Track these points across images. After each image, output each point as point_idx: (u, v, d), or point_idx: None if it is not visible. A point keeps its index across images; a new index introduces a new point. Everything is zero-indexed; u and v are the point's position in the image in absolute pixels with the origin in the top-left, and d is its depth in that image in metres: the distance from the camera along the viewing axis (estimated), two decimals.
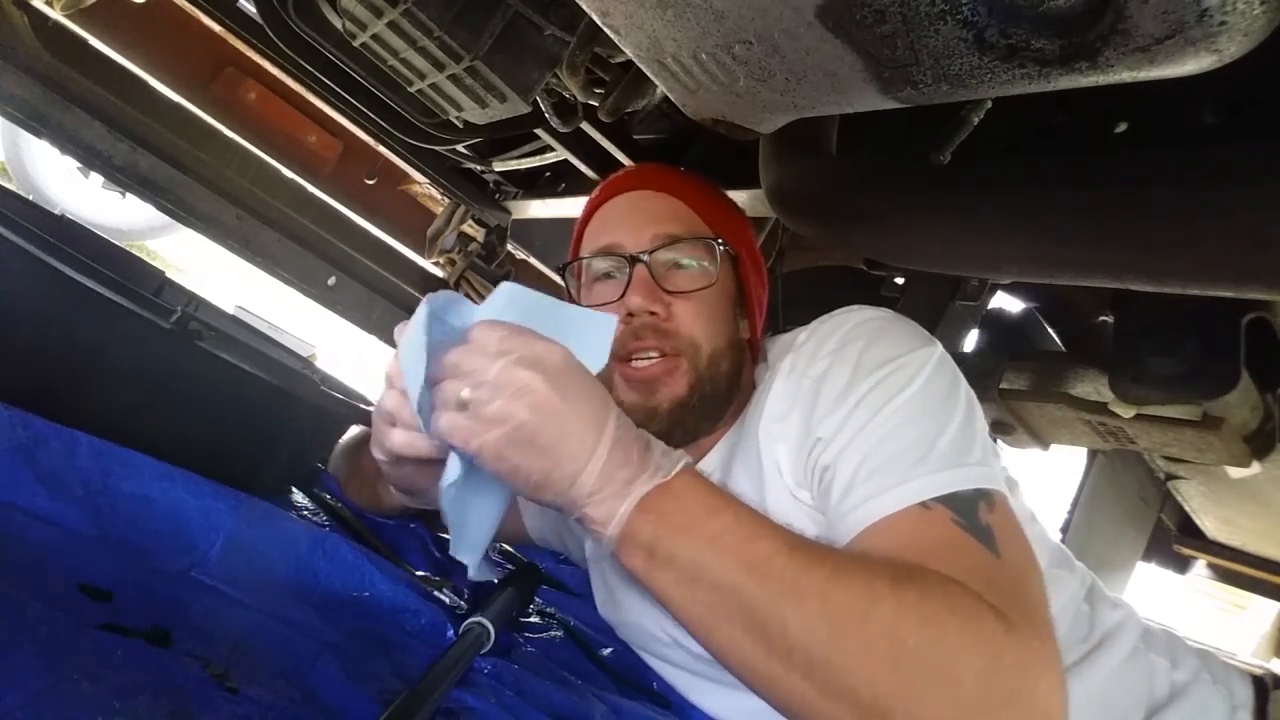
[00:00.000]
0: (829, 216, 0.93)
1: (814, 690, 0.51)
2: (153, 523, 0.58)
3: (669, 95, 0.75)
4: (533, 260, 2.11)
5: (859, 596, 0.52)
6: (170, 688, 0.43)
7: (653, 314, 0.80)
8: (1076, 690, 0.68)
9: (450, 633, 0.69)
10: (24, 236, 0.60)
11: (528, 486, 0.56)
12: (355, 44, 1.11)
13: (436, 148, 1.55)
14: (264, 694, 0.47)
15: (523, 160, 1.62)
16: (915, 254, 0.88)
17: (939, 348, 0.73)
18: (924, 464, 0.63)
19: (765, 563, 0.54)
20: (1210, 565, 2.03)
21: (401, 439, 0.61)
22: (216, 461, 0.65)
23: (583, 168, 1.46)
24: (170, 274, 1.19)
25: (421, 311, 0.59)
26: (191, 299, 1.19)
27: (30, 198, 2.19)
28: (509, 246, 1.92)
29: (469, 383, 0.55)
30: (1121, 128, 0.87)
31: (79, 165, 1.70)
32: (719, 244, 0.85)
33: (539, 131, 1.37)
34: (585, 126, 1.30)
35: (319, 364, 1.45)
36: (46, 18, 1.40)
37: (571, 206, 1.64)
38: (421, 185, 2.02)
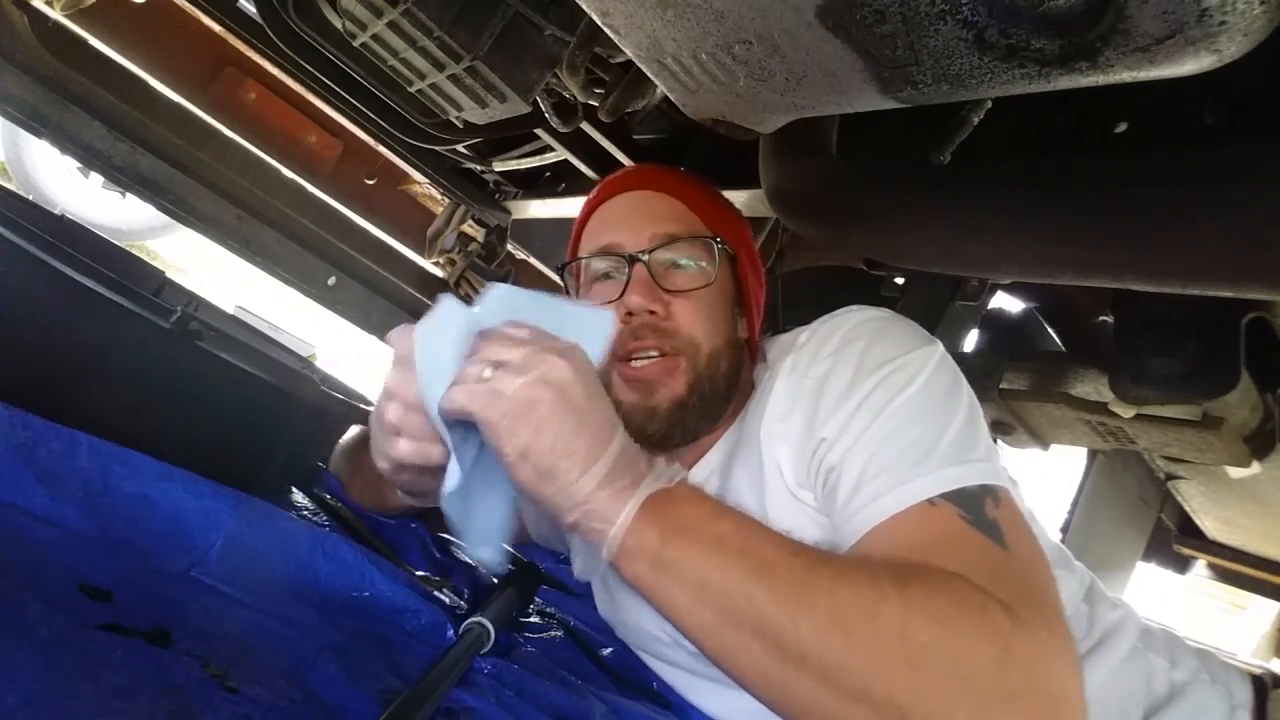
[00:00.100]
0: (829, 216, 0.93)
1: (830, 694, 0.50)
2: (153, 523, 0.58)
3: (669, 95, 0.75)
4: (533, 260, 2.10)
5: (866, 597, 0.52)
6: (170, 688, 0.43)
7: (652, 313, 0.80)
8: None
9: (450, 633, 0.69)
10: (24, 236, 0.60)
11: (533, 473, 0.55)
12: (355, 44, 1.11)
13: (436, 148, 1.55)
14: (264, 694, 0.47)
15: (523, 160, 1.61)
16: (915, 254, 0.88)
17: (940, 347, 0.73)
18: (929, 461, 0.63)
19: (772, 565, 0.54)
20: (1210, 565, 2.03)
21: (408, 448, 0.61)
22: (216, 461, 0.65)
23: (583, 168, 1.46)
24: (170, 274, 1.19)
25: (446, 311, 0.59)
26: (191, 299, 1.19)
27: (30, 198, 2.19)
28: (509, 246, 1.92)
29: (493, 362, 0.56)
30: (1121, 128, 0.87)
31: (79, 165, 1.70)
32: (717, 243, 0.85)
33: (539, 131, 1.37)
34: (585, 126, 1.30)
35: (319, 364, 1.45)
36: (46, 18, 1.40)
37: (571, 206, 1.64)
38: (421, 185, 2.02)
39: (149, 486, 0.59)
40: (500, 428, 0.55)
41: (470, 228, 1.94)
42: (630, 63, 0.79)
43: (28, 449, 0.53)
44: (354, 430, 1.00)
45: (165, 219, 1.66)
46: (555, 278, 2.07)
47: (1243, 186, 0.59)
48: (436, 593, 0.77)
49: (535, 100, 1.05)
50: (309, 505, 0.84)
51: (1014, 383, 1.29)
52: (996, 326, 1.44)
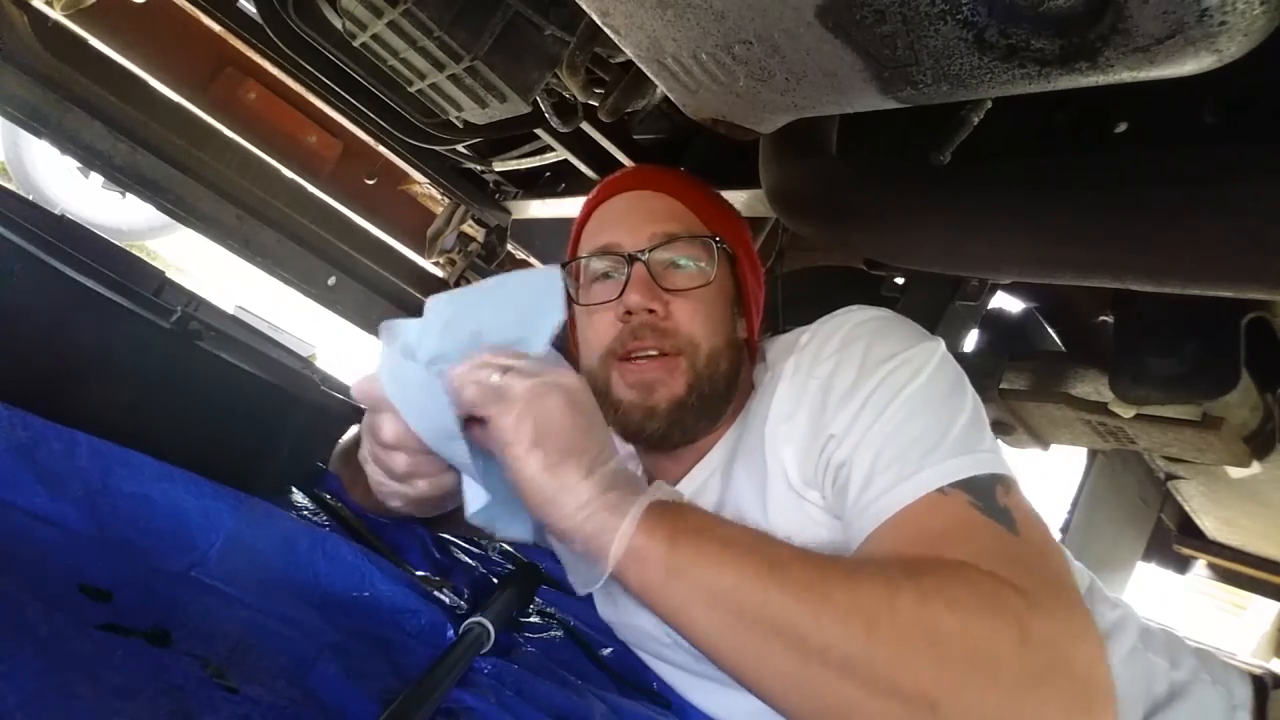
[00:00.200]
0: (829, 216, 0.93)
1: (857, 689, 0.49)
2: (153, 523, 0.58)
3: (669, 95, 0.75)
4: (533, 260, 2.11)
5: (881, 589, 0.51)
6: (170, 688, 0.43)
7: (651, 312, 0.80)
8: None
9: (450, 633, 0.68)
10: (24, 236, 0.60)
11: (540, 467, 0.55)
12: (355, 44, 1.11)
13: (436, 148, 1.55)
14: (264, 694, 0.47)
15: (523, 160, 1.61)
16: (915, 254, 0.88)
17: (941, 344, 0.73)
18: (938, 451, 0.63)
19: (784, 564, 0.53)
20: (1210, 565, 2.03)
21: (427, 486, 0.63)
22: (216, 461, 0.65)
23: (583, 168, 1.46)
24: (170, 274, 1.19)
25: (390, 353, 0.60)
26: (191, 299, 1.19)
27: (30, 198, 2.19)
28: (509, 246, 1.92)
29: (500, 367, 0.57)
30: (1121, 128, 0.87)
31: (79, 165, 1.70)
32: (716, 243, 0.85)
33: (539, 131, 1.37)
34: (585, 126, 1.30)
35: (319, 364, 1.45)
36: (46, 18, 1.40)
37: (571, 206, 1.64)
38: (421, 185, 2.02)
39: (149, 486, 0.59)
40: (510, 420, 0.55)
41: (470, 228, 1.94)
42: (630, 63, 0.79)
43: (28, 449, 0.53)
44: (354, 430, 1.00)
45: (165, 219, 1.66)
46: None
47: (1243, 186, 0.59)
48: (436, 593, 0.77)
49: (535, 100, 1.05)
50: (309, 505, 0.84)
51: (1014, 383, 1.29)
52: (996, 326, 1.44)
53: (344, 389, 1.12)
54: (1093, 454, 1.78)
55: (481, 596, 0.82)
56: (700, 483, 0.85)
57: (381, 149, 1.72)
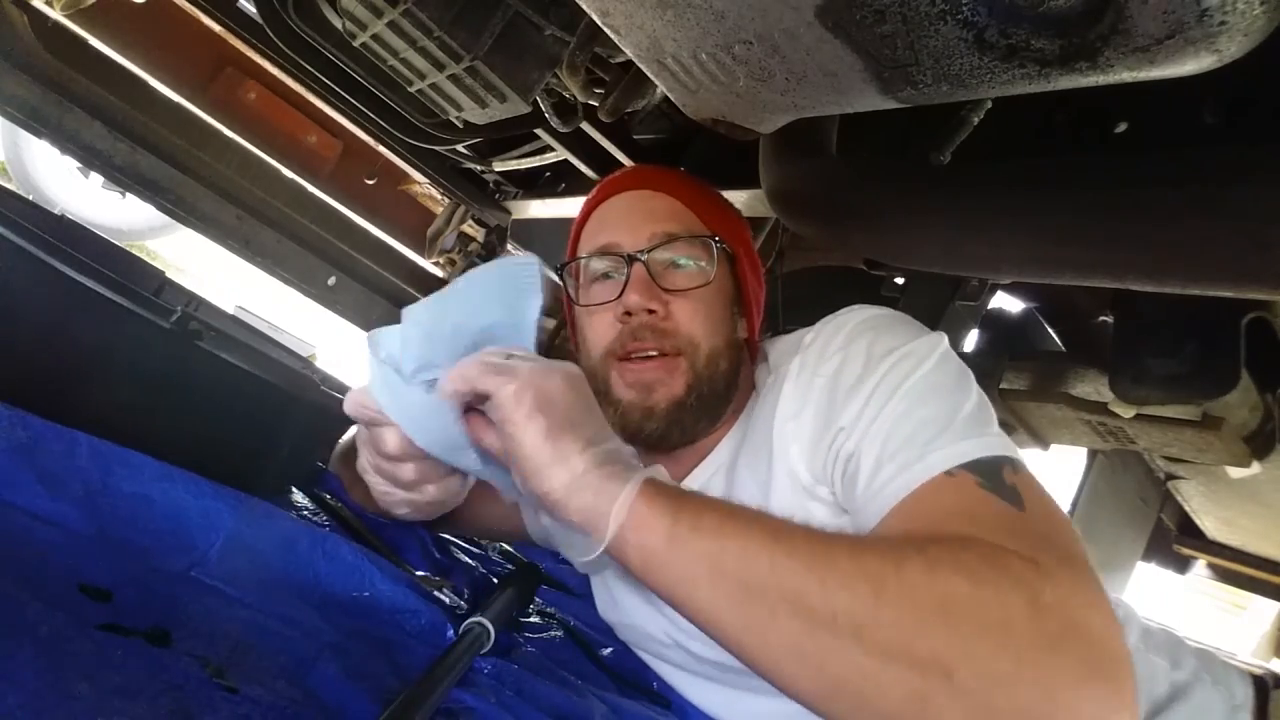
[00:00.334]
0: (829, 216, 0.93)
1: (868, 657, 0.47)
2: (153, 523, 0.58)
3: (669, 95, 0.75)
4: None
5: (887, 556, 0.50)
6: (170, 688, 0.43)
7: (651, 312, 0.80)
8: None
9: (450, 633, 0.68)
10: (24, 236, 0.60)
11: (539, 437, 0.55)
12: (355, 44, 1.11)
13: (436, 148, 1.55)
14: (264, 694, 0.47)
15: (523, 160, 1.61)
16: (915, 254, 0.88)
17: (944, 338, 0.74)
18: (944, 436, 0.63)
19: (790, 534, 0.52)
20: (1210, 565, 2.03)
21: (436, 490, 0.65)
22: (217, 461, 0.65)
23: (583, 168, 1.46)
24: (170, 274, 1.19)
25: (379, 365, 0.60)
26: (191, 299, 1.19)
27: (30, 198, 2.19)
28: (509, 246, 1.92)
29: (503, 354, 0.58)
30: (1121, 128, 0.87)
31: (79, 165, 1.70)
32: (716, 243, 0.85)
33: (539, 131, 1.37)
34: (585, 126, 1.30)
35: (319, 364, 1.45)
36: (46, 18, 1.40)
37: (571, 206, 1.64)
38: (421, 185, 2.02)
39: (149, 486, 0.59)
40: (511, 390, 0.55)
41: (470, 228, 1.94)
42: (630, 63, 0.79)
43: (28, 449, 0.53)
44: (354, 430, 1.00)
45: (165, 219, 1.66)
46: (555, 277, 2.07)
47: (1243, 186, 0.59)
48: (436, 593, 0.77)
49: (535, 100, 1.05)
50: (309, 505, 0.84)
51: (1014, 383, 1.29)
52: (996, 326, 1.44)
53: (344, 389, 1.12)
54: (1093, 454, 1.78)
55: (481, 596, 0.82)
56: (703, 483, 0.85)
57: (381, 149, 1.72)
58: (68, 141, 1.38)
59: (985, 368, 1.30)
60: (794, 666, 0.50)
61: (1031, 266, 0.76)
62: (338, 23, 1.19)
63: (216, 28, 1.48)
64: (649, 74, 0.72)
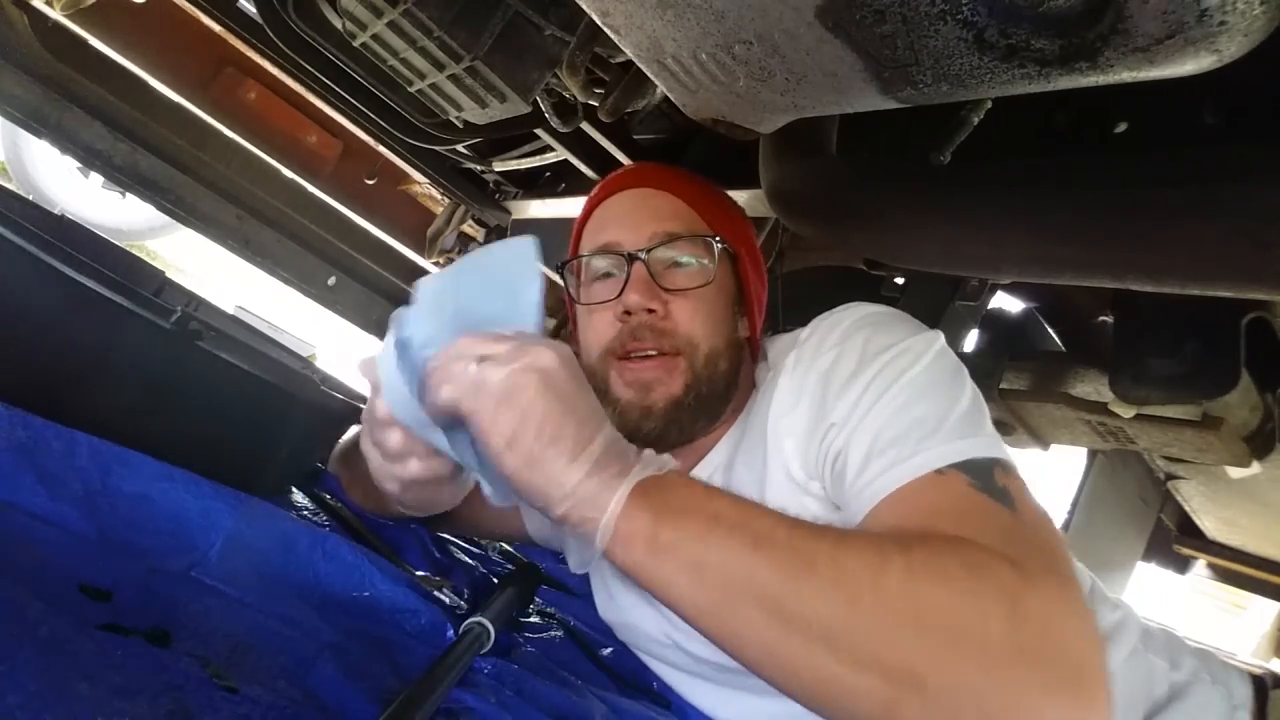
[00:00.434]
0: (829, 216, 0.93)
1: (839, 663, 0.48)
2: (153, 523, 0.58)
3: (669, 95, 0.75)
4: None
5: (869, 561, 0.51)
6: (170, 688, 0.43)
7: (650, 312, 0.80)
8: None
9: (450, 633, 0.68)
10: (24, 236, 0.60)
11: (522, 463, 0.54)
12: (355, 44, 1.11)
13: (436, 148, 1.55)
14: (264, 694, 0.47)
15: (523, 160, 1.61)
16: (915, 254, 0.88)
17: (941, 336, 0.73)
18: (937, 434, 0.63)
19: (770, 537, 0.52)
20: (1210, 565, 2.03)
21: (419, 467, 0.63)
22: (216, 461, 0.65)
23: (583, 168, 1.46)
24: (170, 274, 1.19)
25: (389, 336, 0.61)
26: (191, 299, 1.19)
27: (30, 198, 2.19)
28: None
29: (478, 356, 0.56)
30: (1121, 128, 0.87)
31: (79, 165, 1.70)
32: (717, 242, 0.85)
33: (539, 131, 1.37)
34: (585, 126, 1.30)
35: (319, 364, 1.45)
36: (46, 18, 1.40)
37: (571, 206, 1.64)
38: (421, 185, 2.02)
39: (149, 486, 0.59)
40: (485, 417, 0.55)
41: (470, 228, 1.94)
42: (630, 63, 0.79)
43: (28, 449, 0.53)
44: (354, 431, 1.00)
45: (165, 219, 1.66)
46: (555, 277, 2.07)
47: (1243, 186, 0.59)
48: (436, 593, 0.77)
49: (535, 100, 1.05)
50: (309, 505, 0.84)
51: (1014, 383, 1.29)
52: (996, 326, 1.44)
53: (344, 389, 1.12)
54: (1093, 454, 1.78)
55: (481, 596, 0.82)
56: (703, 480, 0.84)
57: (381, 149, 1.72)
58: (68, 141, 1.38)
59: (985, 368, 1.30)
60: (769, 666, 0.51)
61: (1031, 266, 0.76)
62: (338, 23, 1.19)
63: (216, 28, 1.48)
64: (649, 74, 0.72)
